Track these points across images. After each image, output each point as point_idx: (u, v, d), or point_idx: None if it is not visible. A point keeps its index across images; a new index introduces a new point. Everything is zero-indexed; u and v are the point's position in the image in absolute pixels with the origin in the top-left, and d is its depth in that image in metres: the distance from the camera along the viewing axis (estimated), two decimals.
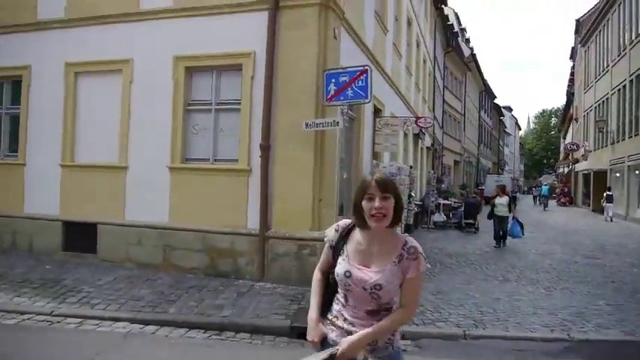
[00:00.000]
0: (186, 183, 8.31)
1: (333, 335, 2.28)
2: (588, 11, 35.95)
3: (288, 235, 7.51)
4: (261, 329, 5.70)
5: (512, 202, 13.97)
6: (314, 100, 7.46)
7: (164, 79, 8.36)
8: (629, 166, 24.66)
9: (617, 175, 27.30)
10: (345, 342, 2.16)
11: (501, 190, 13.97)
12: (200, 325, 5.79)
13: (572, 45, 44.22)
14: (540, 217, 26.14)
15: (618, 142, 26.66)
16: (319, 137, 7.55)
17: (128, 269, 8.17)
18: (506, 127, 74.00)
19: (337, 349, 2.15)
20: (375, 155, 11.95)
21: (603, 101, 30.06)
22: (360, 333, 2.17)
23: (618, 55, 26.62)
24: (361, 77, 6.97)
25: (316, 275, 2.47)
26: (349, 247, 2.30)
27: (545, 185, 42.21)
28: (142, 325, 5.74)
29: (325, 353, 2.16)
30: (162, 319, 5.90)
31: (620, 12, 26.54)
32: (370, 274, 2.20)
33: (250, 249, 7.78)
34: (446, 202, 18.58)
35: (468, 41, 42.78)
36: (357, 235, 2.32)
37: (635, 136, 23.65)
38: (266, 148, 7.65)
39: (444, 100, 30.52)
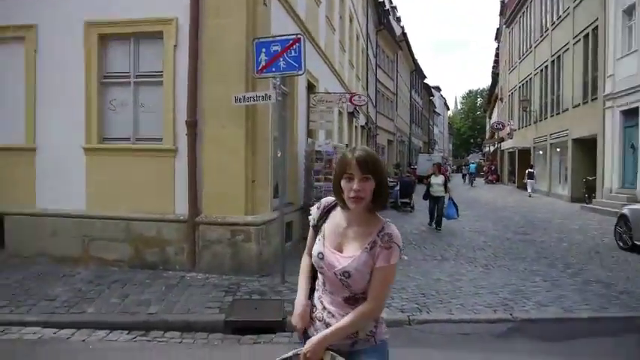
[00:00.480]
0: (104, 165, 7.49)
1: (311, 329, 2.13)
2: None
3: (220, 220, 6.95)
4: (192, 326, 5.14)
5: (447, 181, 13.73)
6: (244, 71, 6.88)
7: (75, 48, 7.43)
8: (551, 144, 25.84)
9: (540, 152, 28.60)
10: (308, 343, 2.03)
11: (437, 168, 13.97)
12: (123, 325, 5.14)
13: (497, 26, 45.67)
14: (469, 195, 26.95)
15: (541, 120, 27.85)
16: (250, 113, 6.99)
17: (42, 265, 7.29)
18: (435, 107, 76.05)
19: (301, 351, 2.03)
20: (310, 133, 11.53)
21: (527, 81, 31.26)
22: (322, 333, 2.02)
23: (541, 36, 27.64)
24: (294, 47, 6.45)
25: (304, 260, 2.32)
26: (327, 227, 2.14)
27: (473, 164, 44.17)
28: (55, 330, 5.03)
29: (290, 353, 2.07)
30: (79, 320, 5.20)
31: None
32: (340, 260, 2.03)
33: (179, 237, 7.15)
34: None
35: (399, 20, 43.06)
36: (338, 214, 2.15)
37: (557, 114, 24.74)
38: (192, 125, 6.99)
39: (376, 78, 30.55)
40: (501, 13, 40.95)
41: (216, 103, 6.97)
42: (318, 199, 10.03)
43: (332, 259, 2.04)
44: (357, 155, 1.98)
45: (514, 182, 34.98)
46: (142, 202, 7.25)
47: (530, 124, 30.31)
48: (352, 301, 2.03)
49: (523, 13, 32.17)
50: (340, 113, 15.58)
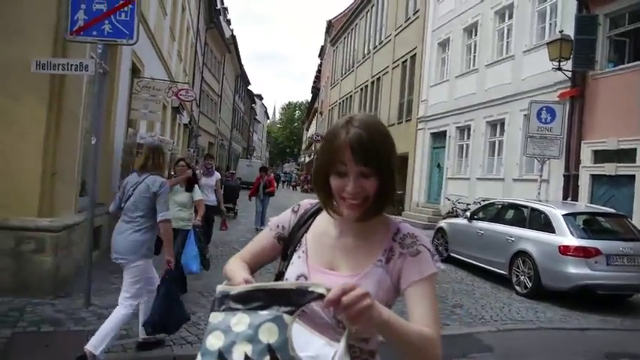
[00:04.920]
0: None
1: None
2: (340, 13, 39.00)
3: (0, 222, 5.16)
4: None
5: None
6: (52, 30, 5.27)
7: None
8: None
9: None
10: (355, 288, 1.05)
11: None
12: None
13: (322, 44, 47.72)
14: (290, 202, 27.09)
15: None
16: (57, 86, 5.38)
17: None
18: (256, 115, 76.54)
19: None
20: (131, 124, 9.93)
21: (347, 98, 32.96)
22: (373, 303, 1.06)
23: (363, 58, 29.34)
24: (125, 8, 5.13)
25: (233, 260, 1.46)
26: (310, 238, 1.41)
27: (294, 173, 46.90)
28: None
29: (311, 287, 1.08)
30: None
31: (366, 20, 29.25)
32: (337, 281, 1.16)
33: None
34: None
35: (229, 22, 42.12)
36: (323, 220, 1.42)
37: None
38: None
39: (202, 77, 29.09)
40: (327, 32, 42.79)
41: (6, 65, 5.21)
42: None
43: (322, 281, 1.17)
44: (351, 137, 1.22)
45: None
46: None
47: None
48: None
49: (348, 34, 33.93)
50: (165, 107, 13.99)
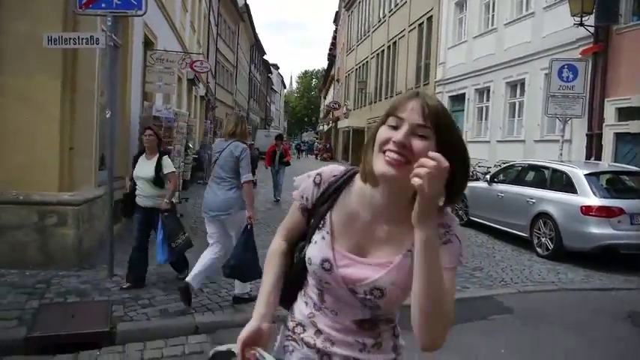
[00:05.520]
0: None
1: (294, 359, 1.37)
2: None
3: (23, 198, 5.27)
4: None
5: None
6: (62, 4, 5.25)
7: None
8: None
9: None
10: None
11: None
12: None
13: (337, 9, 46.81)
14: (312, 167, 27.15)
15: (376, 102, 29.15)
16: (70, 60, 5.40)
17: None
18: (273, 85, 76.14)
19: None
20: (146, 97, 9.95)
21: (364, 64, 32.49)
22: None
23: (378, 22, 28.74)
24: None
25: (275, 245, 1.46)
26: (335, 217, 1.32)
27: (313, 142, 47.47)
28: None
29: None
30: None
31: None
32: (366, 271, 1.26)
33: None
34: None
35: None
36: (351, 200, 1.32)
37: (391, 97, 26.02)
38: None
39: (217, 48, 28.90)
40: None
41: (19, 43, 5.23)
42: None
43: (350, 270, 1.26)
44: (423, 101, 1.17)
45: (347, 160, 36.41)
46: None
47: (365, 105, 31.61)
48: (370, 325, 1.31)
49: None
50: (180, 79, 14.00)
